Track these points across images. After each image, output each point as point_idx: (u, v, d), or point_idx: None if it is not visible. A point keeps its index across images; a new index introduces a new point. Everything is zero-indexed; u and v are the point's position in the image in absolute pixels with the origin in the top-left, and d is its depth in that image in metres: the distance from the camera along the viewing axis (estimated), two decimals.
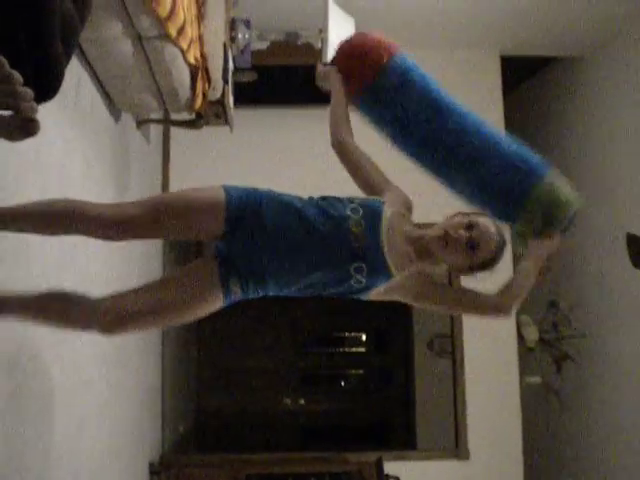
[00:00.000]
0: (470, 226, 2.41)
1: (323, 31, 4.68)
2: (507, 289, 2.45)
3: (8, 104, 1.16)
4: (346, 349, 10.99)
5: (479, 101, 6.72)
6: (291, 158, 6.59)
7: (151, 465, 5.63)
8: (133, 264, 5.01)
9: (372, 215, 2.43)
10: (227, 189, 2.43)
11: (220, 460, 6.02)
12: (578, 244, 6.66)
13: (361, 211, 2.42)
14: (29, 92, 1.16)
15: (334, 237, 2.37)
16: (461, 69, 6.73)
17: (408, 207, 2.60)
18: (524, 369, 6.56)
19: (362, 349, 11.02)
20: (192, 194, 2.43)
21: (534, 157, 2.54)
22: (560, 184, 2.50)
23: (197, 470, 5.77)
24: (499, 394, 6.44)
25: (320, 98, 6.29)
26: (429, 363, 8.24)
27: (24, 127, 1.17)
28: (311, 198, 2.49)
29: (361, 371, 11.00)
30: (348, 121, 2.70)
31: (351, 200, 2.47)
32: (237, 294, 2.42)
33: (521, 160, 2.50)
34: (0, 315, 2.43)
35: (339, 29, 4.61)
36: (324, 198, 2.49)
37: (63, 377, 3.46)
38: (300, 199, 2.46)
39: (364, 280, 2.39)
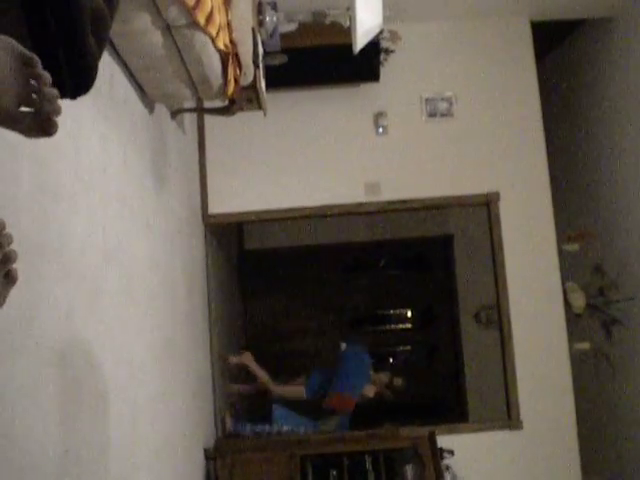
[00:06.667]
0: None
1: (350, 8, 4.64)
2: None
3: (32, 102, 1.20)
4: (392, 326, 10.97)
5: (512, 69, 6.69)
6: (326, 139, 6.59)
7: (206, 451, 5.70)
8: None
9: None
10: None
11: (274, 443, 6.07)
12: (621, 205, 6.59)
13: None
14: (54, 93, 1.21)
15: None
16: (493, 38, 6.69)
17: None
18: (573, 336, 6.51)
19: (408, 325, 11.01)
20: None
21: None
22: None
23: (252, 454, 5.81)
24: (549, 362, 6.41)
25: (352, 76, 6.34)
26: (476, 335, 8.22)
27: (42, 126, 1.22)
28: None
29: (408, 347, 10.98)
30: None
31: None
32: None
33: None
34: None
35: (366, 3, 4.57)
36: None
37: (114, 372, 3.49)
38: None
39: None
